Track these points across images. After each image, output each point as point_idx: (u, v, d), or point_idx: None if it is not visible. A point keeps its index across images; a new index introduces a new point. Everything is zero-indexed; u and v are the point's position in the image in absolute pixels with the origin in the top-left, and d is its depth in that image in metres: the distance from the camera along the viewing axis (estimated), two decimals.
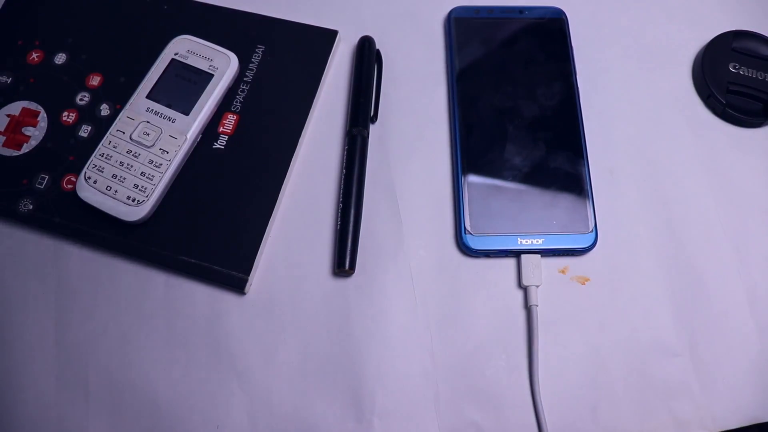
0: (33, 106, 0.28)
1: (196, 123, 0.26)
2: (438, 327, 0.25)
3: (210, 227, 0.26)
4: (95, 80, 0.29)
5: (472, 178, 0.27)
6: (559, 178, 0.27)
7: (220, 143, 0.28)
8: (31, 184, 0.27)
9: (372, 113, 0.29)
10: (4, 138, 0.27)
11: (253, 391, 0.24)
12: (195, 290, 0.26)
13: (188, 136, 0.26)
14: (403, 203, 0.27)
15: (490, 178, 0.27)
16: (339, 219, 0.26)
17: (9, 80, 0.28)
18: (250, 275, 0.25)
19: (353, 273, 0.26)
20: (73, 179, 0.27)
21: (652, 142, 0.29)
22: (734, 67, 0.29)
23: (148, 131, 0.25)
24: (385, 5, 0.31)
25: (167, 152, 0.25)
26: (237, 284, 0.25)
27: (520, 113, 0.28)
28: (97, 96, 0.28)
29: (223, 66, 0.27)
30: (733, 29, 0.30)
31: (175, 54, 0.27)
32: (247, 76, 0.29)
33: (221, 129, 0.28)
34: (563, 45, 0.30)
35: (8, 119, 0.28)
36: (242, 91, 0.29)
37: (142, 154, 0.25)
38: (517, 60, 0.29)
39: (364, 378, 0.25)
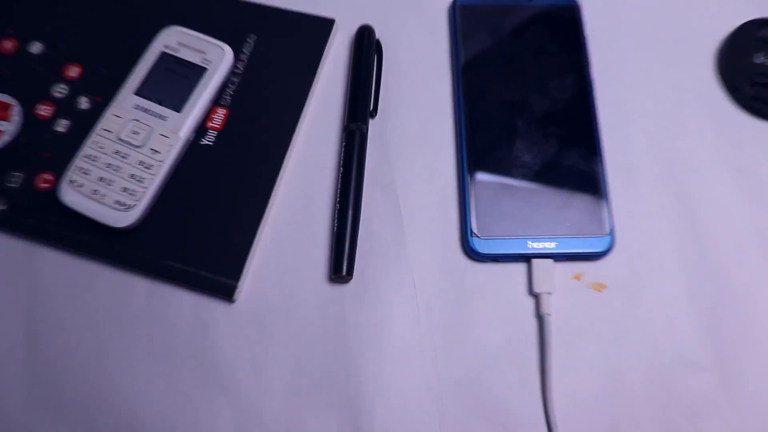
0: (6, 98, 0.26)
1: (190, 120, 0.25)
2: (443, 338, 0.24)
3: (197, 230, 0.25)
4: (74, 71, 0.27)
5: (479, 177, 0.26)
6: (572, 177, 0.26)
7: (208, 139, 0.26)
8: (2, 183, 0.25)
9: (371, 107, 0.27)
10: None
11: (241, 408, 0.23)
12: (180, 298, 0.24)
13: (181, 135, 0.24)
14: (405, 204, 0.26)
15: (498, 177, 0.26)
16: (336, 221, 0.25)
17: None
18: (240, 281, 0.24)
19: (351, 279, 0.24)
20: (49, 178, 0.25)
21: (674, 138, 0.28)
22: (761, 58, 0.28)
23: (137, 130, 0.24)
24: None
25: (158, 152, 0.24)
26: (225, 291, 0.24)
27: (530, 107, 0.27)
28: (76, 88, 0.27)
29: (217, 59, 0.25)
30: (760, 17, 0.29)
31: (165, 47, 0.25)
32: (237, 68, 0.27)
33: (209, 124, 0.26)
34: (576, 34, 0.28)
35: None
36: (232, 83, 0.27)
37: (131, 155, 0.24)
38: (527, 51, 0.27)
39: (363, 393, 0.23)
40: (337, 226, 0.25)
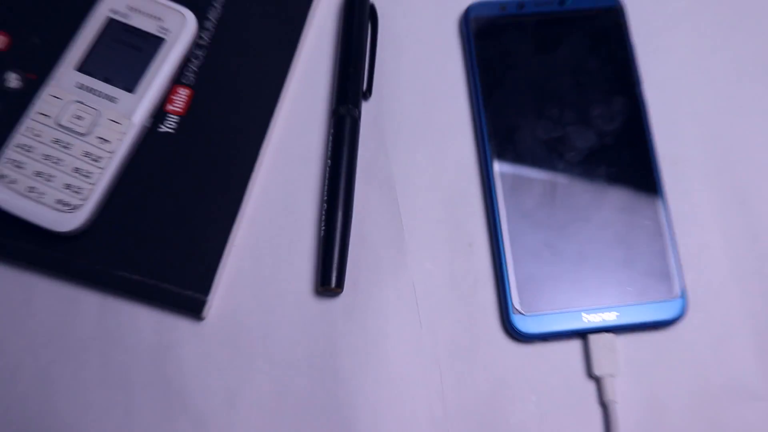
0: None
1: (145, 103, 0.22)
2: (450, 362, 0.22)
3: (157, 235, 0.23)
4: (0, 42, 0.24)
5: (519, 241, 0.22)
6: (630, 229, 0.23)
7: (168, 125, 0.24)
8: None
9: (364, 87, 0.25)
10: None
11: None
12: (138, 315, 0.23)
13: (135, 121, 0.22)
14: (406, 202, 0.24)
15: (541, 238, 0.22)
16: (323, 224, 0.23)
17: None
18: (209, 295, 0.22)
19: (341, 292, 0.23)
20: None
21: (730, 124, 0.25)
22: None
23: (81, 114, 0.22)
24: None
25: (108, 142, 0.22)
26: (193, 307, 0.22)
27: (571, 144, 0.23)
28: (3, 62, 0.24)
29: (176, 27, 0.23)
30: None
31: (112, 11, 0.23)
32: (201, 38, 0.25)
33: (170, 107, 0.24)
34: (622, 44, 0.25)
35: None
36: (196, 57, 0.25)
37: (74, 145, 0.22)
38: (562, 70, 0.24)
39: (356, 424, 0.21)
40: (324, 230, 0.23)
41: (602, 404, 0.21)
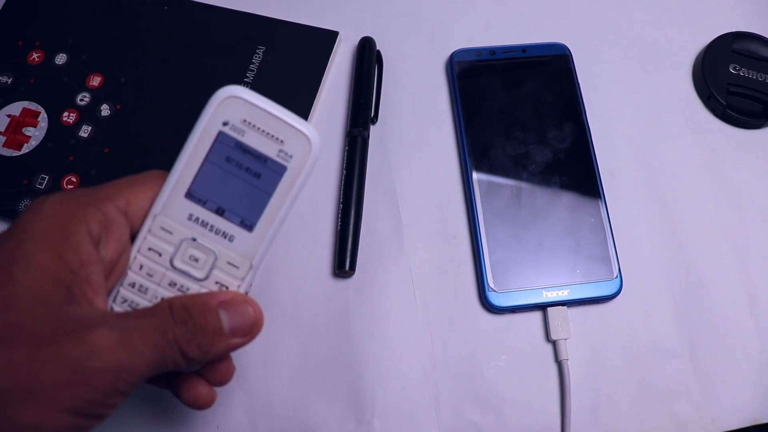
0: (33, 106, 0.28)
1: (266, 244, 0.17)
2: (438, 329, 0.25)
3: None
4: (96, 80, 0.29)
5: (492, 233, 0.26)
6: (579, 225, 0.26)
7: None
8: (31, 185, 0.27)
9: (372, 114, 0.28)
10: (5, 138, 0.28)
11: (252, 392, 0.24)
12: None
13: (255, 264, 0.17)
14: (404, 204, 0.27)
15: (510, 232, 0.26)
16: (339, 220, 0.26)
17: (9, 80, 0.29)
18: None
19: (353, 274, 0.26)
20: (74, 179, 0.27)
21: (653, 144, 0.29)
22: (734, 69, 0.29)
23: (197, 256, 0.17)
24: (385, 6, 0.31)
25: (225, 288, 0.17)
26: None
27: (533, 159, 0.27)
28: (98, 96, 0.28)
29: (299, 151, 0.17)
30: (734, 30, 0.30)
31: (224, 124, 0.17)
32: (247, 77, 0.29)
33: None
34: (570, 82, 0.29)
35: (9, 119, 0.28)
36: None
37: (192, 290, 0.17)
38: (525, 102, 0.28)
39: (365, 379, 0.24)
40: (340, 225, 0.26)
41: (557, 362, 0.25)
